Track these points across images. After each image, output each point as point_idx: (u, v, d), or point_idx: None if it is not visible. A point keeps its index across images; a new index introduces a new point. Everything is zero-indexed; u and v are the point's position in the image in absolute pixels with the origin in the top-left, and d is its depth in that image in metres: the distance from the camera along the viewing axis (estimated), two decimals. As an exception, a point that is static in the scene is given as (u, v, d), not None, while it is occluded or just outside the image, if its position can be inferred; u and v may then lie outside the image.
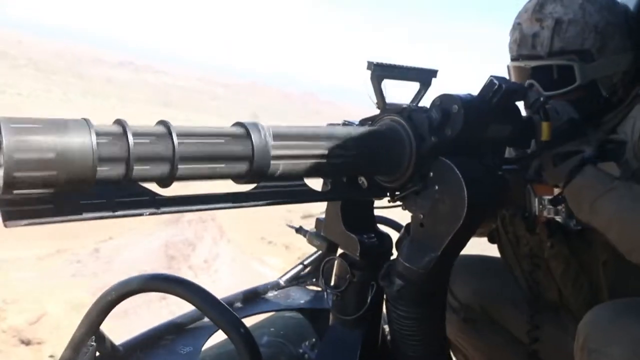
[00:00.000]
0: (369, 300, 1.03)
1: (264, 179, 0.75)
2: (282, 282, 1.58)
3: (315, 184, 0.89)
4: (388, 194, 0.99)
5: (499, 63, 1.49)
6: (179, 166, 0.64)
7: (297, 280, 1.60)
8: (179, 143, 0.64)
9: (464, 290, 1.53)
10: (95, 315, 1.01)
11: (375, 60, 0.91)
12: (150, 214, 0.68)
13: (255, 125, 0.72)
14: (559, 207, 1.23)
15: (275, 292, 1.54)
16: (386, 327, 1.10)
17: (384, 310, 1.05)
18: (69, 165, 0.55)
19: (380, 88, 0.95)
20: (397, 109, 0.95)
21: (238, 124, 0.73)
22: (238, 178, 0.72)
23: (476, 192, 0.89)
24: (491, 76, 1.01)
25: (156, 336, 1.20)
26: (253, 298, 1.48)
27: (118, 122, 0.62)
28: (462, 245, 0.97)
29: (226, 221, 10.47)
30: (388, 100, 0.96)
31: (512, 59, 1.38)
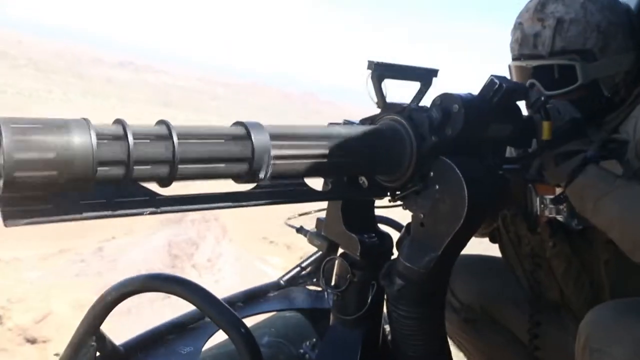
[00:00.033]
0: (369, 300, 1.02)
1: (264, 178, 0.75)
2: (282, 282, 1.58)
3: (316, 183, 0.89)
4: (389, 193, 0.98)
5: (499, 63, 1.49)
6: (179, 166, 0.64)
7: (297, 280, 1.60)
8: (179, 143, 0.63)
9: (465, 290, 1.53)
10: (95, 315, 1.01)
11: (376, 59, 0.91)
12: (150, 213, 0.68)
13: (255, 125, 0.72)
14: (561, 207, 1.23)
15: (276, 292, 1.53)
16: (387, 327, 1.10)
17: (385, 310, 1.05)
18: (69, 165, 0.55)
19: (380, 87, 0.94)
20: (398, 109, 0.94)
21: (238, 123, 0.73)
22: (238, 178, 0.72)
23: (477, 191, 0.89)
24: (492, 75, 1.00)
25: (157, 336, 1.20)
26: (253, 298, 1.47)
27: (118, 122, 0.62)
28: (463, 245, 0.97)
29: (229, 221, 10.47)
30: (388, 99, 0.95)
31: (514, 59, 1.38)
